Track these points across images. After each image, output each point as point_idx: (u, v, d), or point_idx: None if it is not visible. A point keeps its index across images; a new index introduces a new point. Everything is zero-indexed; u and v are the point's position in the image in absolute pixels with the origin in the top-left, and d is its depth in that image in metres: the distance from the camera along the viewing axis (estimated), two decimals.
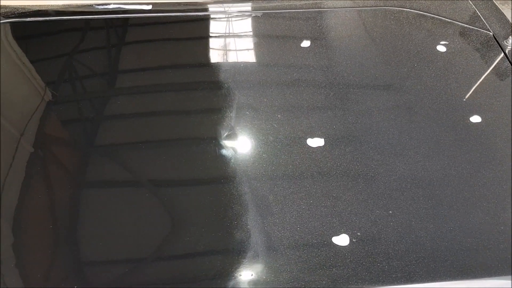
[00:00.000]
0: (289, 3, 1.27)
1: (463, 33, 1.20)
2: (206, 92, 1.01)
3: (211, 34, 1.17)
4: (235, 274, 0.71)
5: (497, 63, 1.11)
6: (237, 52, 1.13)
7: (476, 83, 1.06)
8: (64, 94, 1.02)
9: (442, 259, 0.73)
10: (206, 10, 1.25)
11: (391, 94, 1.02)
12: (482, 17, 1.23)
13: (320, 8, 1.27)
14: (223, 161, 0.87)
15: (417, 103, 0.99)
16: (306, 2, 1.29)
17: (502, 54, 1.12)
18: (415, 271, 0.71)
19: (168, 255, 0.75)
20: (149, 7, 1.19)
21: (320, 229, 0.76)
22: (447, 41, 1.17)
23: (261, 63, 1.09)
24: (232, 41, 1.15)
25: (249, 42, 1.15)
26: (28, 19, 1.17)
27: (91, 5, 1.21)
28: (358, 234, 0.76)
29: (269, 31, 1.18)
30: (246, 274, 0.71)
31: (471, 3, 1.29)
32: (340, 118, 0.95)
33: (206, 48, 1.14)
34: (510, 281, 0.72)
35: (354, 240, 0.75)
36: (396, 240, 0.75)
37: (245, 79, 1.04)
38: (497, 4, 1.33)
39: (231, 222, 0.77)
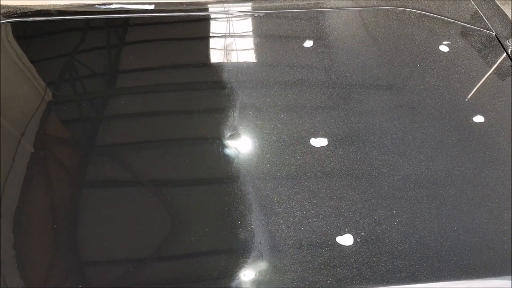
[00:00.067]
0: (291, 3, 1.27)
1: (465, 33, 1.21)
2: (209, 92, 1.01)
3: (213, 34, 1.17)
4: (239, 274, 0.71)
5: (500, 63, 1.11)
6: (240, 52, 1.13)
7: (478, 83, 1.06)
8: (66, 94, 1.02)
9: (446, 259, 0.73)
10: (208, 10, 1.25)
11: (394, 94, 1.02)
12: (484, 17, 1.23)
13: (322, 8, 1.27)
14: (226, 161, 0.87)
15: (420, 103, 0.99)
16: (308, 2, 1.29)
17: (505, 54, 1.12)
18: (419, 270, 0.71)
19: (172, 255, 0.75)
20: (152, 7, 1.19)
21: (324, 229, 0.76)
22: (450, 41, 1.17)
23: (263, 63, 1.09)
24: (234, 41, 1.15)
25: (251, 42, 1.15)
26: (30, 18, 1.17)
27: (93, 5, 1.21)
28: (362, 233, 0.76)
29: (272, 31, 1.18)
30: (250, 273, 0.71)
31: (473, 3, 1.29)
32: (343, 118, 0.95)
33: (208, 48, 1.14)
34: (510, 281, 0.72)
35: (358, 240, 0.75)
36: (400, 240, 0.75)
37: (248, 79, 1.04)
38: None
39: (235, 222, 0.77)
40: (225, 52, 1.12)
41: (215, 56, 1.12)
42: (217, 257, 0.73)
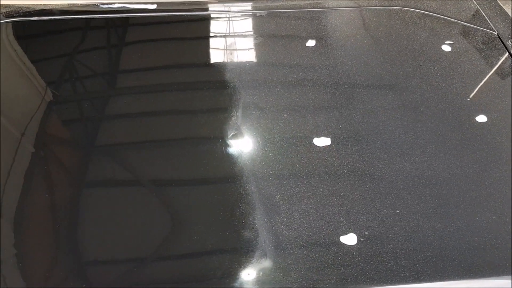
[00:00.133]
0: (294, 3, 1.27)
1: (467, 33, 1.21)
2: (212, 91, 1.01)
3: (216, 34, 1.16)
4: (243, 273, 0.71)
5: (502, 62, 1.11)
6: (242, 51, 1.13)
7: (481, 82, 1.06)
8: (69, 94, 1.02)
9: (450, 258, 0.73)
10: (211, 9, 1.25)
11: (396, 93, 1.02)
12: (486, 17, 1.23)
13: (325, 7, 1.27)
14: (229, 160, 0.87)
15: (423, 102, 0.99)
16: (310, 2, 1.29)
17: (507, 54, 1.12)
18: (423, 270, 0.71)
19: (176, 254, 0.75)
20: (154, 6, 1.19)
21: (328, 228, 0.76)
22: (452, 41, 1.17)
23: (266, 63, 1.09)
24: (237, 41, 1.15)
25: (254, 42, 1.15)
26: (32, 18, 1.16)
27: (95, 5, 1.21)
28: (366, 233, 0.76)
29: (274, 31, 1.18)
30: (254, 273, 0.71)
31: (475, 3, 1.29)
32: (346, 117, 0.95)
33: (211, 48, 1.14)
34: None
35: (361, 239, 0.75)
36: (403, 239, 0.75)
37: (250, 79, 1.04)
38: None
39: (239, 221, 0.77)
40: (228, 52, 1.12)
41: (218, 56, 1.12)
42: (221, 257, 0.73)
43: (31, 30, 1.17)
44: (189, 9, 1.21)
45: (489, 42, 1.16)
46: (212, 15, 1.24)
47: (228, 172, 0.85)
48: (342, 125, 0.94)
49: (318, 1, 1.30)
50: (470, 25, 1.22)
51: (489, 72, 1.09)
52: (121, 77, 1.09)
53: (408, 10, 1.25)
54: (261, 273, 0.71)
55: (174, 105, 0.99)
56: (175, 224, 0.78)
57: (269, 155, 0.88)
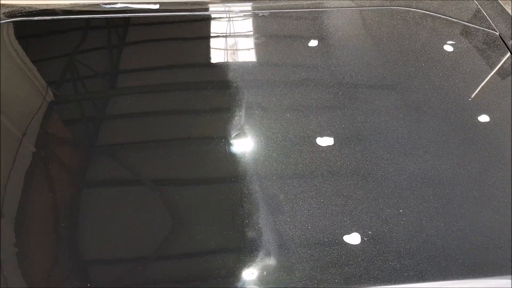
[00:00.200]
0: (296, 3, 1.28)
1: (469, 33, 1.21)
2: (215, 91, 1.01)
3: (218, 34, 1.17)
4: (247, 273, 0.71)
5: (504, 62, 1.11)
6: (245, 51, 1.13)
7: (483, 82, 1.06)
8: (72, 94, 1.02)
9: (453, 258, 0.73)
10: (213, 9, 1.25)
11: (399, 93, 1.02)
12: (488, 17, 1.24)
13: (327, 7, 1.27)
14: (233, 160, 0.87)
15: (425, 102, 0.99)
16: (312, 2, 1.29)
17: (509, 54, 1.12)
18: (426, 269, 0.72)
19: (180, 254, 0.75)
20: (157, 6, 1.19)
21: (331, 228, 0.76)
22: (454, 41, 1.18)
23: (269, 63, 1.09)
24: (239, 41, 1.15)
25: (256, 42, 1.15)
26: (35, 18, 1.17)
27: (97, 4, 1.21)
28: (369, 232, 0.76)
29: (277, 31, 1.18)
30: (258, 272, 0.71)
31: (476, 3, 1.30)
32: (349, 117, 0.95)
33: (214, 48, 1.14)
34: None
35: (365, 239, 0.75)
36: (407, 239, 0.75)
37: (253, 78, 1.04)
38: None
39: (243, 221, 0.77)
40: (231, 52, 1.13)
41: (221, 56, 1.12)
42: (225, 256, 0.73)
43: (34, 30, 1.17)
44: (191, 9, 1.22)
45: (491, 42, 1.17)
46: (214, 15, 1.24)
47: (231, 171, 0.85)
48: (345, 125, 0.94)
49: (320, 1, 1.30)
50: (471, 25, 1.22)
51: (491, 72, 1.09)
52: (124, 77, 1.09)
53: (410, 10, 1.25)
54: (265, 272, 0.71)
55: (177, 105, 1.00)
56: (179, 223, 0.79)
57: (272, 154, 0.88)
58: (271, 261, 0.72)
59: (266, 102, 0.98)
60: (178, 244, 0.75)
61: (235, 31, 1.18)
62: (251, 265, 0.72)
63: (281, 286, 0.70)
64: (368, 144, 0.90)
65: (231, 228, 0.76)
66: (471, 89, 1.04)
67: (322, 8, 1.26)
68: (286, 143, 0.90)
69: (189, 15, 1.21)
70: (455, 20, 1.24)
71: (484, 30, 1.20)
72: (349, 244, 0.75)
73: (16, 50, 1.10)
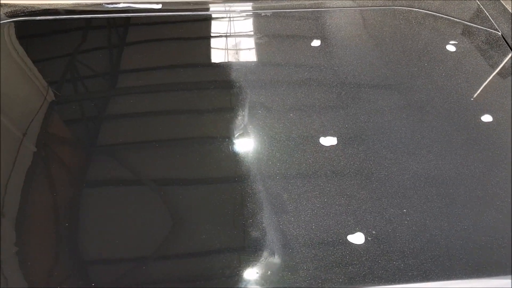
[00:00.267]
0: (298, 3, 1.28)
1: (471, 33, 1.21)
2: (218, 91, 1.01)
3: (221, 34, 1.17)
4: (252, 272, 0.71)
5: (506, 62, 1.12)
6: (248, 51, 1.13)
7: (486, 82, 1.06)
8: (74, 93, 1.02)
9: (457, 257, 0.73)
10: (216, 9, 1.25)
11: (402, 93, 1.02)
12: (490, 17, 1.24)
13: (329, 7, 1.27)
14: (236, 159, 0.87)
15: (428, 102, 0.99)
16: (315, 2, 1.29)
17: (511, 53, 1.12)
18: (431, 269, 0.72)
19: (184, 254, 0.75)
20: (159, 6, 1.20)
21: (335, 227, 0.77)
22: (456, 41, 1.18)
23: (272, 62, 1.09)
24: (242, 40, 1.15)
25: (259, 41, 1.15)
26: (38, 18, 1.17)
27: (100, 4, 1.21)
28: (373, 232, 0.76)
29: (279, 30, 1.18)
30: (263, 272, 0.71)
31: (478, 3, 1.30)
32: (352, 117, 0.95)
33: (217, 48, 1.14)
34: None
35: (369, 239, 0.75)
36: (411, 239, 0.75)
37: (256, 78, 1.04)
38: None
39: (246, 221, 0.77)
40: (233, 51, 1.13)
41: (223, 55, 1.12)
42: (229, 256, 0.73)
43: (36, 29, 1.17)
44: (194, 9, 1.22)
45: (493, 42, 1.17)
46: (217, 15, 1.24)
47: (234, 171, 0.85)
48: (348, 124, 0.94)
49: (322, 1, 1.31)
50: (474, 25, 1.23)
51: (493, 72, 1.09)
52: (127, 76, 1.09)
53: (412, 10, 1.25)
54: (269, 272, 0.71)
55: (180, 104, 1.00)
56: (183, 223, 0.79)
57: (276, 154, 0.88)
58: (275, 261, 0.72)
59: (269, 102, 0.98)
60: (183, 244, 0.75)
61: (238, 31, 1.18)
62: (256, 264, 0.72)
63: (286, 286, 0.70)
64: (372, 144, 0.90)
65: (235, 227, 0.76)
66: (474, 89, 1.04)
67: (325, 8, 1.27)
68: (290, 143, 0.90)
69: (192, 15, 1.21)
70: (457, 20, 1.24)
71: (486, 30, 1.20)
72: (353, 243, 0.75)
73: (16, 50, 1.10)
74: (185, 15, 1.21)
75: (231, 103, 0.97)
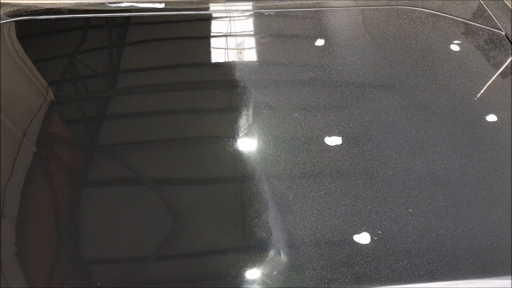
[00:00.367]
0: (302, 2, 1.28)
1: (475, 32, 1.21)
2: (222, 90, 1.01)
3: (224, 33, 1.17)
4: (258, 272, 0.71)
5: (510, 62, 1.11)
6: (252, 50, 1.13)
7: (490, 82, 1.06)
8: (75, 93, 1.02)
9: (463, 257, 0.73)
10: (219, 9, 1.25)
11: (406, 92, 1.02)
12: (493, 17, 1.24)
13: (333, 7, 1.27)
14: (241, 159, 0.87)
15: (433, 102, 0.99)
16: (318, 1, 1.29)
17: None
18: (437, 269, 0.72)
19: (190, 253, 0.75)
20: (162, 5, 1.19)
21: (341, 227, 0.76)
22: (460, 41, 1.18)
23: (276, 62, 1.09)
24: (246, 40, 1.15)
25: (263, 41, 1.15)
26: (40, 17, 1.16)
27: (103, 4, 1.21)
28: (379, 232, 0.76)
29: (283, 30, 1.18)
30: (269, 271, 0.71)
31: (482, 2, 1.30)
32: (357, 116, 0.95)
33: (220, 47, 1.14)
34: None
35: (375, 238, 0.75)
36: (417, 238, 0.75)
37: (260, 78, 1.04)
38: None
39: (252, 220, 0.77)
40: (237, 51, 1.13)
41: (227, 55, 1.12)
42: (235, 255, 0.73)
43: (39, 29, 1.16)
44: (197, 8, 1.21)
45: (497, 41, 1.17)
46: (220, 15, 1.24)
47: (239, 171, 0.85)
48: (353, 124, 0.94)
49: (326, 0, 1.30)
50: (477, 24, 1.22)
51: (497, 72, 1.09)
52: (129, 76, 1.09)
53: (416, 10, 1.25)
54: (275, 272, 0.71)
55: (184, 104, 0.99)
56: (188, 223, 0.78)
57: (281, 154, 0.88)
58: (281, 261, 0.72)
59: (274, 102, 0.98)
60: (188, 243, 0.75)
61: (241, 30, 1.18)
62: (261, 264, 0.72)
63: (292, 286, 0.69)
64: (376, 144, 0.90)
65: (240, 227, 0.76)
66: (478, 89, 1.04)
67: (328, 7, 1.26)
68: (294, 143, 0.90)
69: (195, 14, 1.20)
70: (461, 19, 1.24)
71: (490, 29, 1.20)
72: (359, 243, 0.75)
73: (16, 50, 1.09)
74: (188, 14, 1.20)
75: (235, 103, 0.97)
